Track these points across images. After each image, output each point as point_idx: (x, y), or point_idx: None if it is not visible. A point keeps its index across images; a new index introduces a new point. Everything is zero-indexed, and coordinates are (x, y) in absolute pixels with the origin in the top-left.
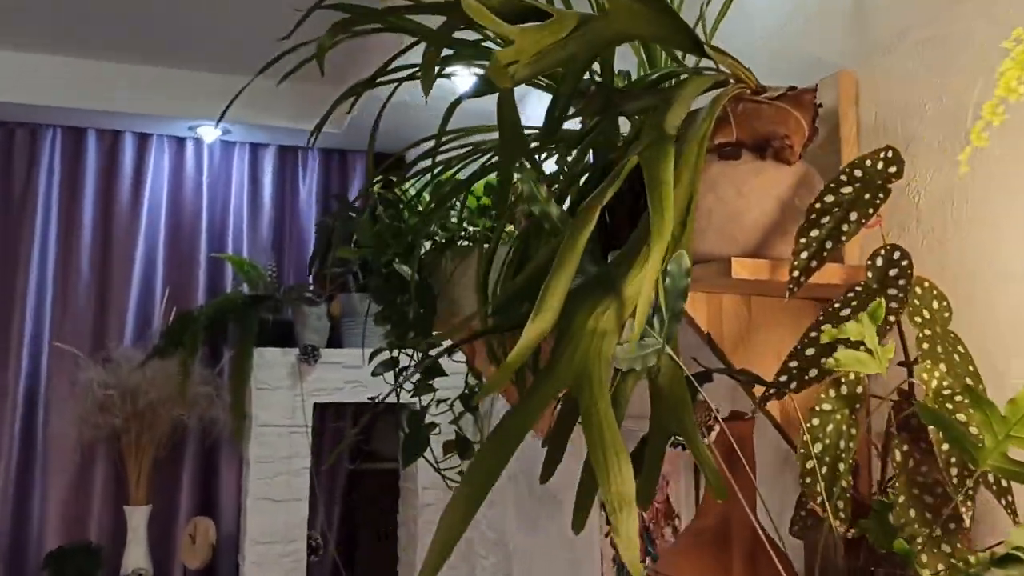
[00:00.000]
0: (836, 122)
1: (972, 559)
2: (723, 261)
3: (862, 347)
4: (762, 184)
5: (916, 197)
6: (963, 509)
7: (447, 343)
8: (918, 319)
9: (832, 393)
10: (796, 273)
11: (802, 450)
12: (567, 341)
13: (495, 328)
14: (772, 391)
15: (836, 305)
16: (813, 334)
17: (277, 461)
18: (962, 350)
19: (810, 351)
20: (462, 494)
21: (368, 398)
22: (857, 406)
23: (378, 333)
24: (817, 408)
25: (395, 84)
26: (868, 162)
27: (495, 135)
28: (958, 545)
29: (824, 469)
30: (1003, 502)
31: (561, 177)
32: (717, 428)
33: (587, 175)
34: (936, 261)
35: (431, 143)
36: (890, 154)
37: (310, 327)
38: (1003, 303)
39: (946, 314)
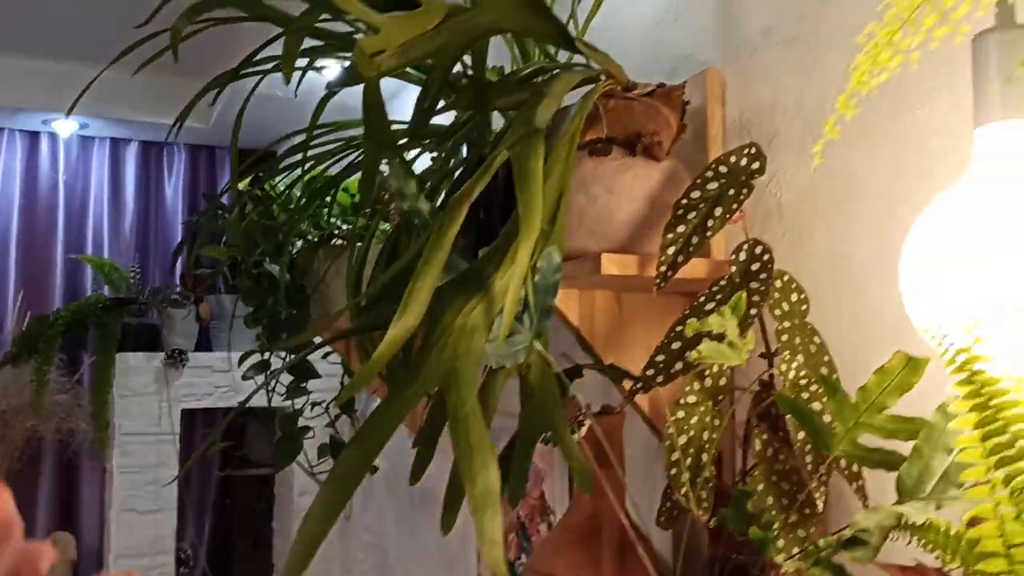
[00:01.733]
0: (703, 120)
1: (821, 542)
2: (593, 258)
3: (725, 339)
4: (631, 181)
5: (778, 193)
6: (817, 495)
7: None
8: (778, 312)
9: (696, 386)
10: (663, 268)
11: (667, 442)
12: (434, 339)
13: (362, 327)
14: (639, 385)
15: (701, 299)
16: (679, 328)
17: (143, 471)
18: (818, 341)
19: (676, 345)
20: (325, 494)
21: (239, 402)
22: (720, 398)
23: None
24: (682, 401)
25: (260, 76)
26: (733, 158)
27: None
28: (812, 530)
29: (688, 460)
30: (854, 487)
31: (433, 173)
32: (588, 423)
33: (460, 171)
34: (797, 256)
35: (302, 137)
36: (753, 150)
37: (177, 330)
38: (859, 297)
39: (803, 307)
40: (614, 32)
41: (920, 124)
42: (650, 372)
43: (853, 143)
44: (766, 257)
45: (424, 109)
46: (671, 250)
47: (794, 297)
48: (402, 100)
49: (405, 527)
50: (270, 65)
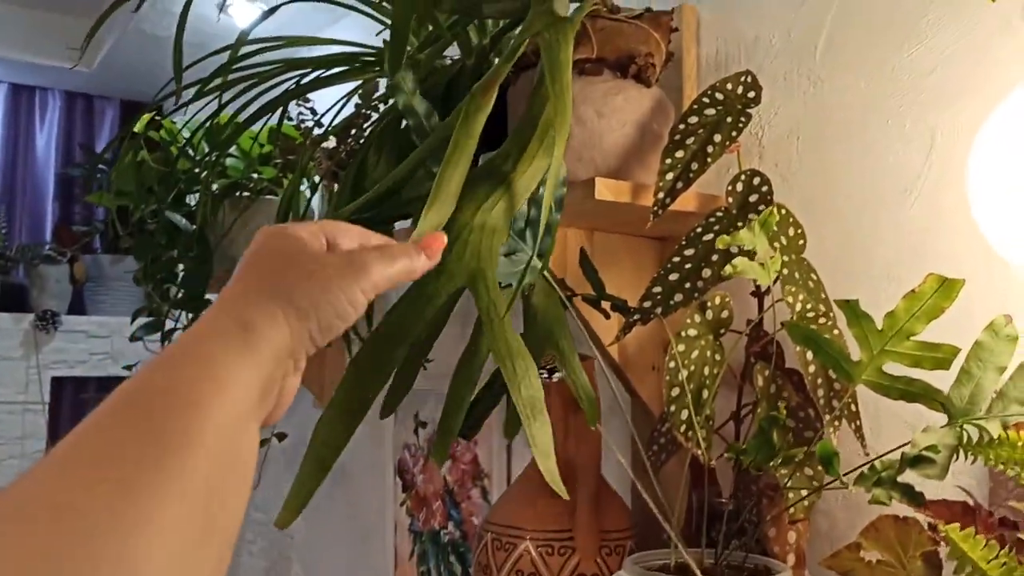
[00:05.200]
0: (679, 58)
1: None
2: (584, 183)
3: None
4: (623, 104)
5: (760, 132)
6: (831, 430)
7: None
8: (777, 245)
9: (698, 318)
10: (661, 195)
11: (667, 377)
12: (454, 238)
13: (367, 222)
14: (636, 317)
15: (698, 230)
16: (676, 259)
17: (8, 443)
18: (815, 278)
19: (674, 276)
20: (342, 397)
21: (124, 367)
22: (722, 331)
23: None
24: (683, 334)
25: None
26: (729, 85)
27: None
28: (819, 468)
29: (689, 396)
30: (852, 426)
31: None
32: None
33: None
34: (780, 195)
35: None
36: (749, 79)
37: (48, 291)
38: (846, 237)
39: (801, 242)
40: None
41: (910, 57)
42: (647, 304)
43: (842, 78)
44: (764, 189)
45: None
46: (669, 176)
47: (791, 232)
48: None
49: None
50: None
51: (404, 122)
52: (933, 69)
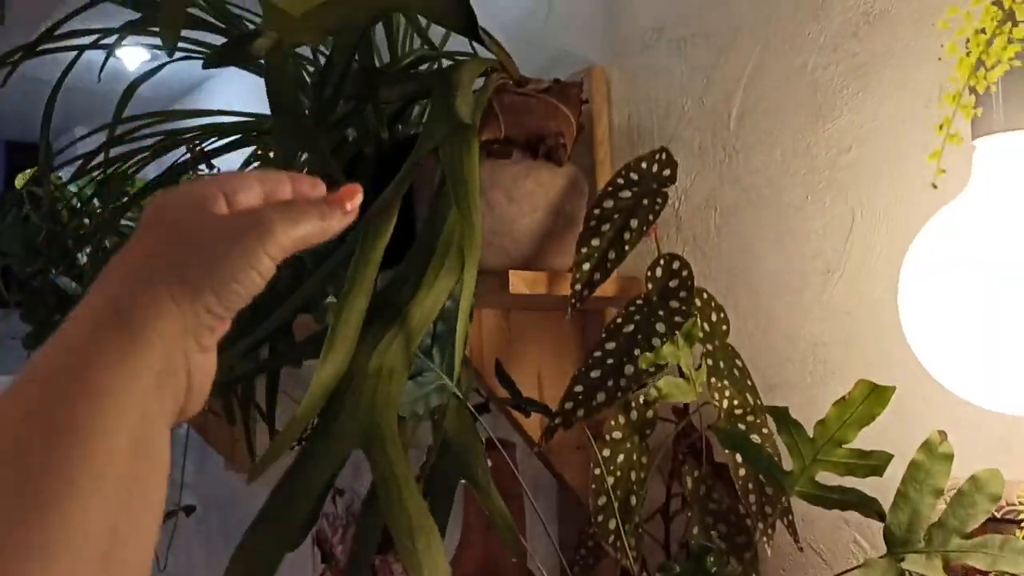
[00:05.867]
0: (590, 121)
1: None
2: (498, 275)
3: (665, 370)
4: (533, 188)
5: (677, 202)
6: (764, 539)
7: None
8: (700, 333)
9: (622, 419)
10: (579, 287)
11: (593, 485)
12: (348, 387)
13: (244, 375)
14: (558, 421)
15: (618, 320)
16: (597, 354)
17: None
18: (740, 364)
19: (595, 372)
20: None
21: None
22: (648, 432)
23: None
24: (607, 437)
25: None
26: (643, 164)
27: (185, 123)
28: (753, 574)
29: (616, 505)
30: (785, 521)
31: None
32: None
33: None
34: (699, 269)
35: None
36: (663, 156)
37: None
38: (767, 312)
39: (724, 327)
40: (484, 22)
41: (827, 132)
42: (569, 405)
43: (758, 149)
44: (684, 273)
45: (329, 97)
46: (586, 266)
47: (714, 316)
48: (209, 90)
49: (218, 564)
50: (85, 40)
51: None
52: (850, 147)
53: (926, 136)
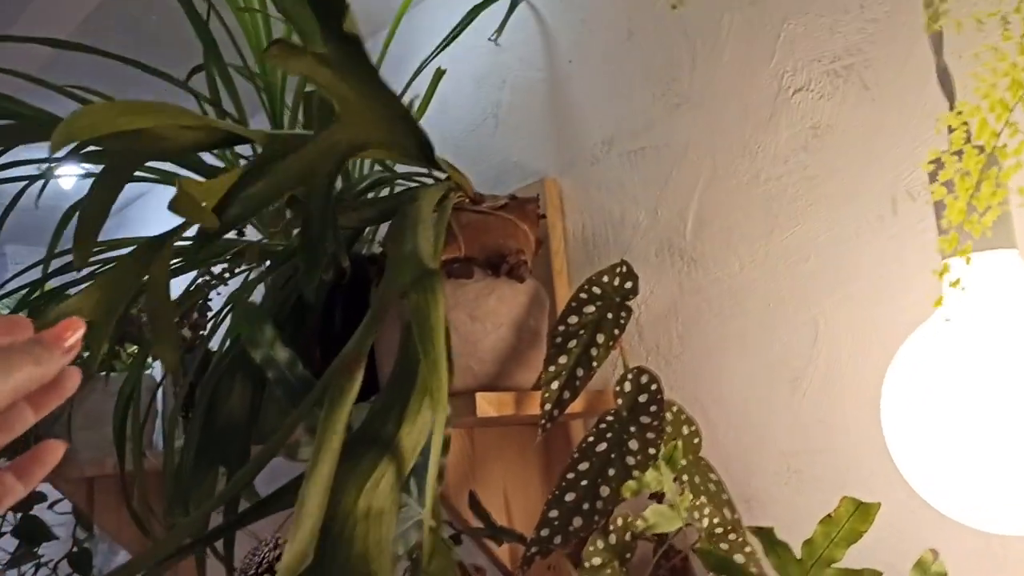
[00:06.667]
0: (544, 233)
1: None
2: (464, 397)
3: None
4: (496, 306)
5: (638, 312)
6: None
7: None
8: (682, 460)
9: (600, 544)
10: (549, 406)
11: None
12: (336, 534)
13: (213, 533)
14: (534, 550)
15: (590, 439)
16: (570, 475)
17: None
18: (715, 478)
19: (570, 496)
20: None
21: None
22: (628, 556)
23: None
24: (587, 564)
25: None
26: (605, 278)
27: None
28: None
29: None
30: None
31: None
32: None
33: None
34: (664, 378)
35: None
36: (624, 269)
37: None
38: (736, 423)
39: (696, 440)
40: (433, 136)
41: (784, 242)
42: (545, 532)
43: (716, 259)
44: (654, 387)
45: (315, 240)
46: (555, 384)
47: (685, 430)
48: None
49: None
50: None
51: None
52: (808, 257)
53: (883, 247)
